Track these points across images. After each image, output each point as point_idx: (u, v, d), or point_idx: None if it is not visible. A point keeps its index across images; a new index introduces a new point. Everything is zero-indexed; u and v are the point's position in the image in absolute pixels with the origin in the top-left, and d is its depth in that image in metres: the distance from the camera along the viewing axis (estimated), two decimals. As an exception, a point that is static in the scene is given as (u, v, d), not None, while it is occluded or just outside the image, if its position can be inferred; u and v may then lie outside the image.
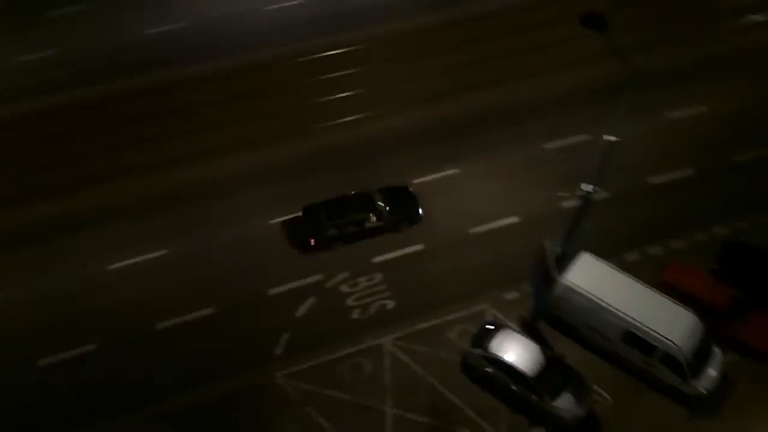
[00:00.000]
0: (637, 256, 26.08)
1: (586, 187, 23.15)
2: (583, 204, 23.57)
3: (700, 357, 22.27)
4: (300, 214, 26.38)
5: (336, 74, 31.87)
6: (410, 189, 27.32)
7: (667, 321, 22.11)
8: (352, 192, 26.55)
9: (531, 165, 28.84)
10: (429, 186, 28.09)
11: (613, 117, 23.14)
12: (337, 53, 32.69)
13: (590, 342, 23.68)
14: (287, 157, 29.01)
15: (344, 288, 25.52)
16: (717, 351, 22.94)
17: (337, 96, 31.10)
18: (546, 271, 24.86)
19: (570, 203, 26.92)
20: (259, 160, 28.90)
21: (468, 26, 33.82)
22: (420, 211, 26.71)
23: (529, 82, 31.51)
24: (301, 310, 24.98)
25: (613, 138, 22.42)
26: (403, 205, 26.52)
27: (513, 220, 27.25)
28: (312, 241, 25.72)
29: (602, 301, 22.60)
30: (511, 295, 25.30)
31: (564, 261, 24.18)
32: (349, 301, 25.22)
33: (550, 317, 24.24)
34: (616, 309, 22.40)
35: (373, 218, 25.78)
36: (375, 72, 32.04)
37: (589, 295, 22.77)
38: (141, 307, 24.86)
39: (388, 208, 26.07)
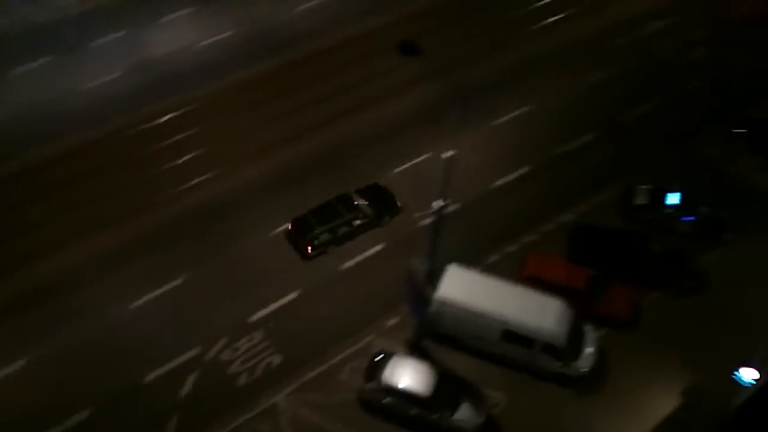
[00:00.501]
0: (498, 257, 27.38)
1: (437, 203, 24.05)
2: (438, 219, 24.46)
3: (575, 339, 23.67)
4: (289, 227, 27.17)
5: (174, 139, 31.14)
6: (381, 185, 28.73)
7: (538, 312, 23.35)
8: (334, 196, 27.67)
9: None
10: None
11: (446, 133, 24.36)
12: (170, 118, 31.95)
13: (475, 349, 24.46)
14: (136, 234, 27.79)
15: (225, 355, 24.69)
16: (589, 329, 24.50)
17: (179, 161, 30.36)
18: (419, 290, 25.47)
19: (427, 221, 27.84)
20: (107, 242, 27.44)
21: (293, 70, 34.35)
22: (398, 203, 28.25)
23: (362, 115, 32.41)
24: (185, 388, 23.85)
25: (450, 152, 23.55)
26: (382, 201, 28.14)
27: (379, 247, 27.71)
28: (309, 248, 26.30)
29: (476, 307, 23.47)
30: (392, 321, 25.63)
31: (434, 277, 24.89)
32: (233, 368, 24.41)
33: (433, 334, 24.79)
34: (491, 312, 23.35)
35: (360, 217, 27.29)
36: (212, 129, 31.63)
37: (464, 305, 23.57)
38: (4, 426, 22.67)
39: (369, 205, 27.70)
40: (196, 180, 29.64)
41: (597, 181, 30.09)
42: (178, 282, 26.34)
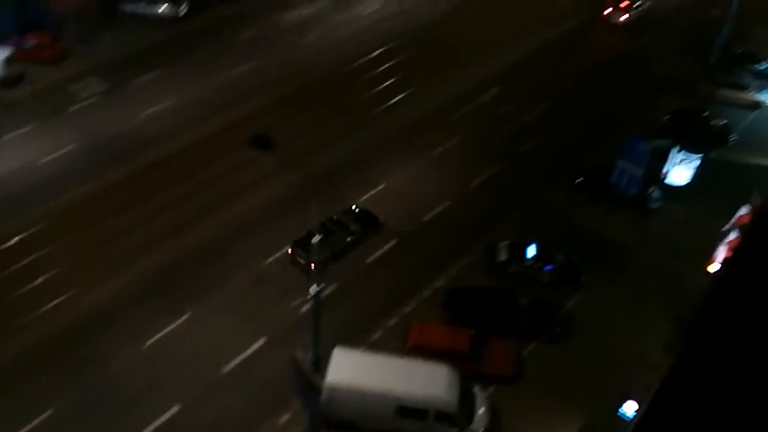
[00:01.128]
0: (381, 333, 27.58)
1: (314, 288, 24.05)
2: (317, 303, 24.40)
3: (466, 402, 24.08)
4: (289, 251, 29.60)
5: (27, 260, 29.18)
6: (362, 207, 31.74)
7: (427, 382, 23.61)
8: (327, 217, 30.20)
9: (257, 286, 29.15)
10: (166, 339, 26.79)
11: (308, 218, 24.70)
12: (18, 240, 30.00)
13: (373, 430, 24.17)
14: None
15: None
16: (477, 390, 25.03)
17: (36, 282, 28.40)
18: (307, 380, 24.94)
19: (306, 307, 27.66)
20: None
21: (145, 176, 33.71)
22: (379, 221, 31.34)
23: (225, 211, 32.19)
24: None
25: (318, 236, 23.82)
26: (366, 221, 31.20)
27: (261, 342, 27.07)
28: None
29: (367, 388, 23.35)
30: (284, 418, 24.85)
31: (320, 364, 24.55)
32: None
33: (328, 423, 24.26)
34: (382, 390, 23.30)
35: (352, 234, 30.42)
36: (67, 245, 30.04)
37: (354, 387, 23.38)
38: None
39: (357, 224, 30.71)
40: (57, 300, 27.81)
41: (461, 244, 31.43)
42: (44, 416, 24.17)
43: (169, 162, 34.50)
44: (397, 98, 40.05)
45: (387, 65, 42.62)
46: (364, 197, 33.41)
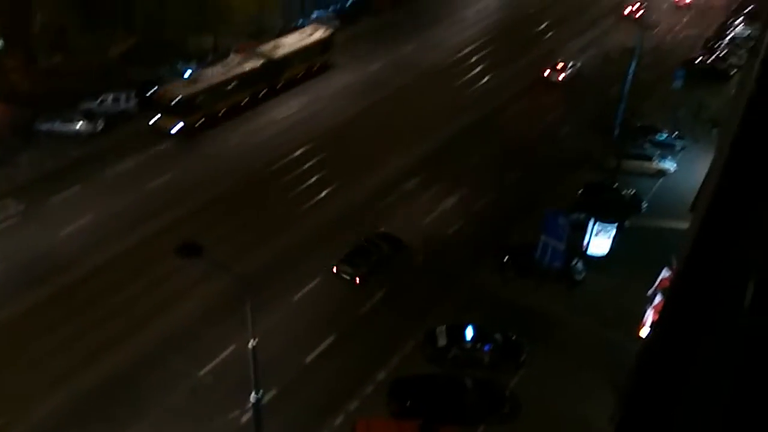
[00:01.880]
0: (328, 434, 26.79)
1: (254, 396, 23.24)
2: (257, 412, 23.52)
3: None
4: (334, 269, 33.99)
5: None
6: (391, 234, 36.37)
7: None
8: (363, 240, 35.28)
9: (194, 400, 27.97)
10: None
11: (246, 321, 24.17)
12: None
13: None
14: None
15: None
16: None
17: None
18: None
19: (247, 416, 26.62)
20: None
21: (72, 294, 32.47)
22: (403, 242, 35.74)
23: (155, 324, 31.19)
24: None
25: (253, 341, 23.23)
26: (393, 242, 35.76)
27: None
28: (357, 280, 33.67)
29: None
30: None
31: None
32: None
33: None
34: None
35: (384, 252, 34.88)
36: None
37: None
38: None
39: (386, 244, 35.40)
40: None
41: (399, 333, 31.33)
42: None
43: (93, 279, 33.42)
44: (321, 195, 40.60)
45: (308, 164, 43.34)
46: (300, 293, 33.09)
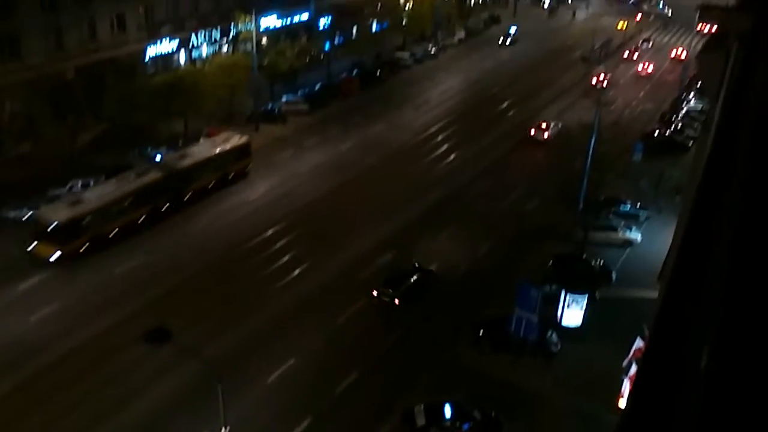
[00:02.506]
0: None
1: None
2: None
3: None
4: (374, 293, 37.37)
5: None
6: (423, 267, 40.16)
7: None
8: (401, 270, 39.56)
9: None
10: None
11: (217, 409, 23.62)
12: None
13: None
14: None
15: None
16: None
17: None
18: None
19: None
20: None
21: (36, 385, 31.29)
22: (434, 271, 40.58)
23: (124, 412, 30.10)
24: None
25: (225, 429, 22.63)
26: (426, 272, 40.09)
27: None
28: (396, 301, 37.41)
29: None
30: None
31: None
32: None
33: None
34: None
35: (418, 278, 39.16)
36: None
37: None
38: None
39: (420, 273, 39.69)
40: None
41: (377, 412, 30.67)
42: None
43: (58, 367, 32.29)
44: (294, 273, 40.43)
45: (281, 243, 43.37)
46: (274, 375, 32.39)
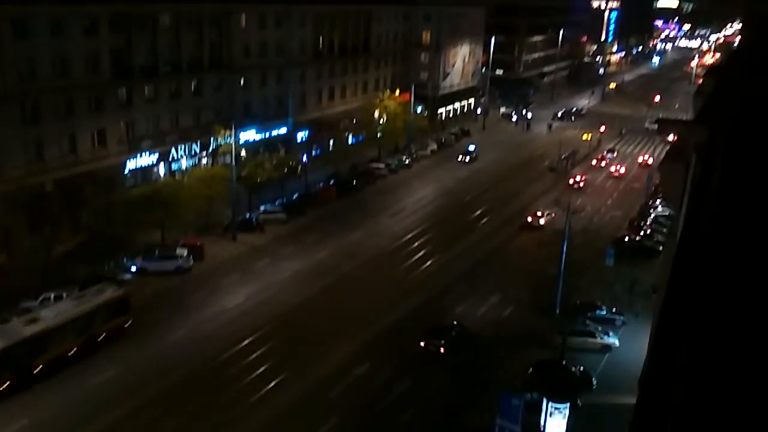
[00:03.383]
0: None
1: None
2: None
3: None
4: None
5: None
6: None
7: None
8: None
9: None
10: None
11: None
12: None
13: None
14: None
15: None
16: None
17: None
18: None
19: None
20: None
21: None
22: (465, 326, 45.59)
23: None
24: None
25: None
26: (460, 327, 45.72)
27: None
28: (442, 349, 42.87)
29: None
30: None
31: None
32: None
33: None
34: None
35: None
36: None
37: None
38: None
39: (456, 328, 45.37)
40: None
41: None
42: None
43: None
44: (271, 384, 39.52)
45: (257, 353, 42.63)
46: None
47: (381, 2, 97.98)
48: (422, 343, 43.28)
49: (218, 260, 56.01)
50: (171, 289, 50.67)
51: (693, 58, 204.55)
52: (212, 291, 50.64)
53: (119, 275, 51.04)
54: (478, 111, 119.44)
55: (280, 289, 51.75)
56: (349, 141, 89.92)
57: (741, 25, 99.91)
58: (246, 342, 43.96)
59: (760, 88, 15.23)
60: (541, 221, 67.53)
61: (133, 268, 52.44)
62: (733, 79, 20.34)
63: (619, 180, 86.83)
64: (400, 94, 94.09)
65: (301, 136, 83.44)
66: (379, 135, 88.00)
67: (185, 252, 54.08)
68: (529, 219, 68.24)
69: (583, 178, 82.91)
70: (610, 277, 53.43)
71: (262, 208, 66.37)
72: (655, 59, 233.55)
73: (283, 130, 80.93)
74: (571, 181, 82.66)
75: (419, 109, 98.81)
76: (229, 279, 52.77)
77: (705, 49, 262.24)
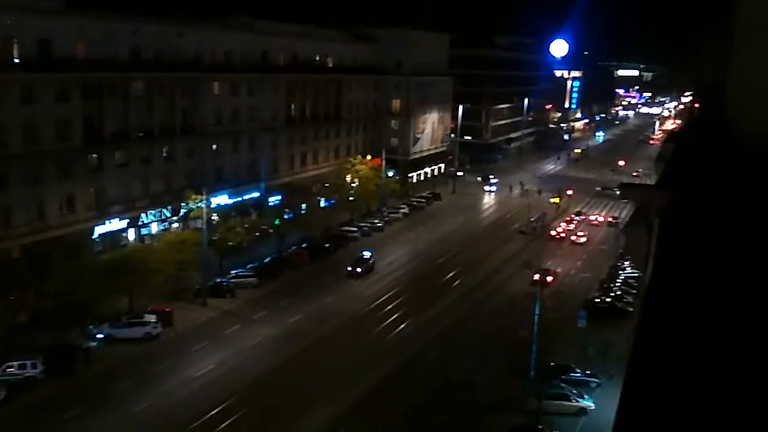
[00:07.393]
0: None
1: None
2: None
3: None
4: None
5: None
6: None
7: None
8: None
9: None
10: None
11: None
12: None
13: None
14: None
15: None
16: None
17: None
18: None
19: None
20: None
21: None
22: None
23: None
24: None
25: None
26: None
27: None
28: None
29: None
30: None
31: None
32: None
33: None
34: None
35: None
36: None
37: None
38: None
39: None
40: None
41: None
42: None
43: None
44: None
45: (223, 425, 41.33)
46: None
47: (352, 72, 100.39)
48: None
49: (188, 326, 55.00)
50: (138, 356, 49.41)
51: (654, 124, 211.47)
52: (181, 358, 49.50)
53: (85, 343, 49.73)
54: (451, 176, 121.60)
55: (250, 356, 50.80)
56: (322, 204, 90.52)
57: (694, 93, 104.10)
58: (215, 411, 42.74)
59: (713, 153, 15.89)
60: (549, 278, 68.09)
61: (100, 336, 51.19)
62: (690, 146, 21.19)
63: (587, 243, 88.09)
64: (371, 158, 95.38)
65: (274, 200, 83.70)
66: (351, 198, 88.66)
67: (153, 318, 53.08)
68: (536, 276, 62.71)
69: (554, 277, 71.87)
70: (583, 339, 53.57)
71: (233, 272, 65.76)
72: (599, 134, 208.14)
73: (255, 194, 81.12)
74: (536, 277, 64.90)
75: (390, 173, 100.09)
76: (198, 345, 51.72)
77: (666, 116, 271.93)
